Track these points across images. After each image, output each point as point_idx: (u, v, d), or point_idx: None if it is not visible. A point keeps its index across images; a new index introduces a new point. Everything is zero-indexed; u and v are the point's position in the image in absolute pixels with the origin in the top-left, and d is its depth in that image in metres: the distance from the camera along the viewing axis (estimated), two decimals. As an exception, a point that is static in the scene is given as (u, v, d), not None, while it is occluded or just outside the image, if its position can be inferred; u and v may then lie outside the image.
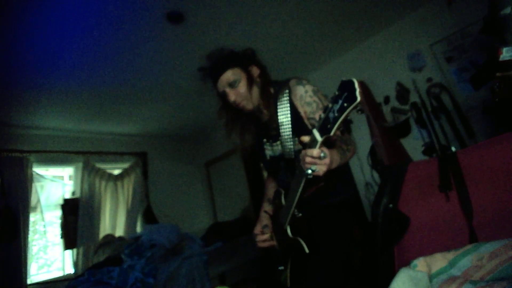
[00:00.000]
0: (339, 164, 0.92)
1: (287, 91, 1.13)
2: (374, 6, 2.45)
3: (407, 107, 2.66)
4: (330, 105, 0.74)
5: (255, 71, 1.18)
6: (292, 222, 1.08)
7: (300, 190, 0.96)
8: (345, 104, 0.70)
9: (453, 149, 2.25)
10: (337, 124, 0.73)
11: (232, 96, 1.14)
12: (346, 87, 0.70)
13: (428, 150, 2.46)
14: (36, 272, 3.14)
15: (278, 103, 1.14)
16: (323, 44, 2.88)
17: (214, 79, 1.16)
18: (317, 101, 1.07)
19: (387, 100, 2.81)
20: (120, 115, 3.43)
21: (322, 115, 0.77)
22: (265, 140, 1.24)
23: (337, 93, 0.73)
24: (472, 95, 2.28)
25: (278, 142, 1.17)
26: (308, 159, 0.81)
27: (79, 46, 2.17)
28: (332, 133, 0.75)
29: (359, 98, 0.67)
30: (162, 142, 4.40)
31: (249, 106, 1.16)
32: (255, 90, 1.16)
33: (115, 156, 3.76)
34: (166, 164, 4.31)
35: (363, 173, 2.88)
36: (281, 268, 1.17)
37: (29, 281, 2.77)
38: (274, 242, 1.20)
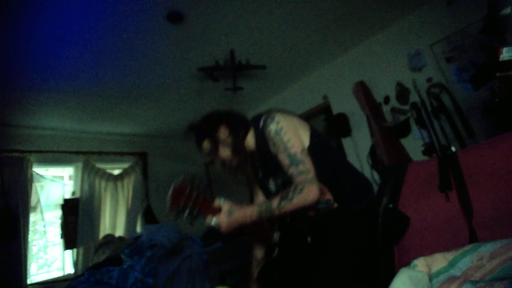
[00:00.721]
0: (262, 219, 1.06)
1: (261, 136, 1.16)
2: (374, 6, 2.45)
3: (407, 107, 2.66)
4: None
5: (223, 133, 1.19)
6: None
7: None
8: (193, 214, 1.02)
9: (453, 149, 2.25)
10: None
11: (216, 162, 1.24)
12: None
13: (428, 150, 2.45)
14: (36, 272, 3.14)
15: (258, 144, 1.20)
16: (323, 44, 2.88)
17: (200, 150, 1.26)
18: (279, 142, 1.07)
19: (387, 100, 2.81)
20: (120, 115, 3.43)
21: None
22: (261, 174, 1.29)
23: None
24: (472, 95, 2.27)
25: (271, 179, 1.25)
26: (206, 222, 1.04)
27: (79, 46, 2.17)
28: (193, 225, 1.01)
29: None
30: (162, 142, 4.40)
31: (234, 162, 1.21)
32: (227, 152, 1.20)
33: (115, 156, 3.76)
34: (166, 164, 4.31)
35: (363, 173, 2.88)
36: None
37: (29, 281, 2.77)
38: None
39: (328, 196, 1.12)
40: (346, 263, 1.05)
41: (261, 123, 1.13)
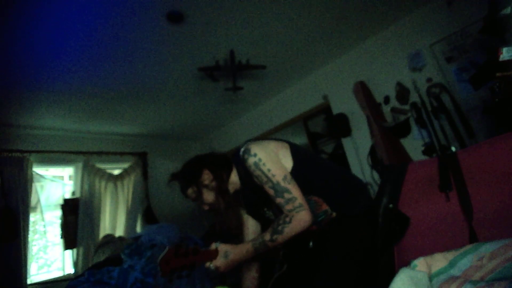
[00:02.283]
0: (258, 253, 1.08)
1: (243, 171, 1.16)
2: (374, 6, 2.45)
3: (407, 107, 2.66)
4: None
5: (207, 176, 1.19)
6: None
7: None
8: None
9: (453, 149, 2.25)
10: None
11: (204, 207, 1.24)
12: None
13: (428, 150, 2.46)
14: (36, 272, 3.14)
15: (242, 184, 1.22)
16: (323, 44, 2.88)
17: (187, 198, 1.27)
18: (260, 174, 1.07)
19: (387, 100, 2.81)
20: (120, 115, 3.43)
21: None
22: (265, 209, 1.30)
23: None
24: (472, 95, 2.27)
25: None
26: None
27: (79, 46, 2.17)
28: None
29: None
30: (162, 142, 4.40)
31: (222, 205, 1.20)
32: (211, 196, 1.20)
33: (115, 156, 3.76)
34: (166, 164, 4.30)
35: (363, 173, 2.88)
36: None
37: (29, 281, 2.77)
38: None
39: (325, 206, 1.13)
40: (347, 264, 1.06)
41: (242, 157, 1.11)
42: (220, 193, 1.18)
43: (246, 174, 1.14)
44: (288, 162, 1.11)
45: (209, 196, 1.19)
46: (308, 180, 1.09)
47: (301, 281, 1.15)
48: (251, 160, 1.07)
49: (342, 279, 1.02)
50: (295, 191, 1.04)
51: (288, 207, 1.03)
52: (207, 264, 1.06)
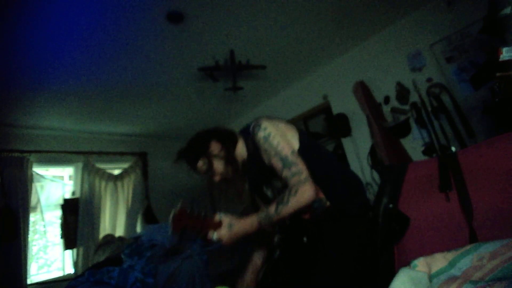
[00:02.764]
0: (263, 227, 1.05)
1: (252, 145, 1.20)
2: (374, 6, 2.45)
3: (407, 107, 2.66)
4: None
5: (215, 147, 1.23)
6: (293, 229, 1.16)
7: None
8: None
9: (453, 149, 2.25)
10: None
11: (215, 178, 1.24)
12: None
13: (428, 150, 2.46)
14: (36, 272, 3.14)
15: (248, 157, 1.24)
16: (323, 44, 2.88)
17: (195, 172, 1.28)
18: (269, 148, 1.10)
19: (387, 100, 2.81)
20: (120, 115, 3.43)
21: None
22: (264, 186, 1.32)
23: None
24: (472, 95, 2.27)
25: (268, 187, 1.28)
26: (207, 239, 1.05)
27: (79, 46, 2.17)
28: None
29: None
30: (162, 142, 4.39)
31: (230, 173, 1.24)
32: (221, 164, 1.23)
33: (115, 156, 3.76)
34: (166, 164, 4.30)
35: (363, 173, 2.88)
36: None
37: (29, 281, 2.77)
38: None
39: (321, 195, 1.13)
40: (344, 259, 1.06)
41: (253, 130, 1.15)
42: (228, 162, 1.21)
43: (254, 149, 1.17)
44: (295, 144, 1.13)
45: (219, 166, 1.21)
46: (309, 167, 1.09)
47: (296, 270, 1.16)
48: (261, 134, 1.11)
49: (340, 274, 1.03)
50: (301, 166, 1.06)
51: (294, 179, 1.04)
52: (210, 233, 1.03)
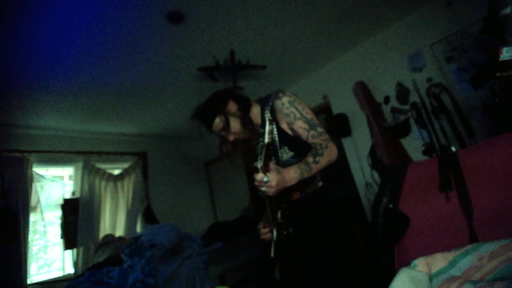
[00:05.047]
0: (302, 178, 1.04)
1: (269, 108, 1.24)
2: (374, 6, 2.45)
3: (407, 107, 2.66)
4: (260, 139, 0.91)
5: (232, 107, 1.27)
6: (279, 226, 1.18)
7: (268, 205, 1.15)
8: (261, 143, 0.89)
9: (453, 149, 2.25)
10: (262, 158, 0.91)
11: (230, 137, 1.28)
12: (264, 125, 0.89)
13: (428, 150, 2.46)
14: (36, 272, 3.14)
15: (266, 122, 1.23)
16: (323, 44, 2.88)
17: (209, 130, 1.31)
18: (294, 111, 1.17)
19: (387, 100, 2.81)
20: (120, 115, 3.43)
21: (260, 145, 0.92)
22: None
23: (261, 130, 0.91)
24: (472, 95, 2.27)
25: (272, 158, 1.29)
26: (255, 182, 0.97)
27: (79, 46, 2.17)
28: (259, 166, 0.92)
29: (266, 141, 0.88)
30: (162, 142, 4.40)
31: (245, 135, 1.28)
32: (238, 124, 1.27)
33: (115, 156, 3.76)
34: (166, 164, 4.31)
35: (363, 173, 2.88)
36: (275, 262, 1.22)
37: (29, 281, 2.77)
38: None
39: (317, 174, 1.19)
40: (337, 248, 1.09)
41: (272, 97, 1.21)
42: (244, 122, 1.25)
43: (272, 115, 1.21)
44: None
45: (236, 125, 1.24)
46: (308, 148, 1.14)
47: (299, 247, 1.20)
48: (286, 99, 1.18)
49: (335, 270, 1.05)
50: (323, 129, 1.15)
51: (322, 138, 1.12)
52: (260, 175, 0.95)
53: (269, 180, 0.95)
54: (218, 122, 1.24)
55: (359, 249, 1.11)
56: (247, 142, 1.30)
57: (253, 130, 1.24)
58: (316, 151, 1.08)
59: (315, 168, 1.06)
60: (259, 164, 0.93)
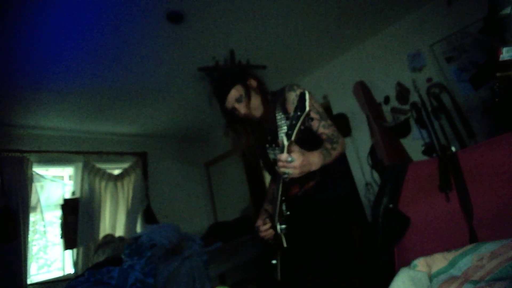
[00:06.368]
0: (324, 164, 1.01)
1: (281, 99, 1.24)
2: (374, 6, 2.45)
3: (407, 107, 2.66)
4: (292, 114, 0.85)
5: (253, 83, 1.28)
6: (284, 219, 1.14)
7: (280, 190, 1.06)
8: (299, 113, 0.83)
9: (453, 149, 2.24)
10: (295, 130, 0.84)
11: (242, 109, 1.24)
12: (301, 98, 0.83)
13: (428, 150, 2.45)
14: (36, 272, 3.14)
15: (276, 111, 1.24)
16: (323, 44, 2.88)
17: (222, 99, 1.27)
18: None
19: (387, 100, 2.81)
20: (120, 115, 3.43)
21: (287, 122, 0.87)
22: (267, 145, 1.29)
23: (296, 103, 0.85)
24: (472, 95, 2.28)
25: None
26: (279, 163, 0.90)
27: (79, 46, 2.17)
28: (292, 138, 0.85)
29: (307, 108, 0.81)
30: (162, 142, 4.40)
31: (257, 114, 1.27)
32: (258, 100, 1.27)
33: (115, 156, 3.76)
34: (166, 164, 4.31)
35: (363, 173, 2.88)
36: (274, 262, 1.20)
37: (29, 281, 2.77)
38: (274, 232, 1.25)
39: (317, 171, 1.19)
40: (336, 248, 1.10)
41: (286, 89, 1.23)
42: (264, 99, 1.25)
43: (284, 106, 1.21)
44: None
45: (256, 100, 1.25)
46: (310, 145, 1.10)
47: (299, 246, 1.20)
48: (299, 91, 1.16)
49: (334, 269, 1.06)
50: (332, 123, 1.18)
51: (332, 128, 1.16)
52: (285, 155, 0.89)
53: (293, 160, 0.88)
54: (234, 92, 1.23)
55: (357, 249, 1.11)
56: (255, 123, 1.29)
57: (269, 109, 1.23)
58: (331, 140, 1.10)
59: (333, 155, 1.06)
60: (286, 141, 0.85)
